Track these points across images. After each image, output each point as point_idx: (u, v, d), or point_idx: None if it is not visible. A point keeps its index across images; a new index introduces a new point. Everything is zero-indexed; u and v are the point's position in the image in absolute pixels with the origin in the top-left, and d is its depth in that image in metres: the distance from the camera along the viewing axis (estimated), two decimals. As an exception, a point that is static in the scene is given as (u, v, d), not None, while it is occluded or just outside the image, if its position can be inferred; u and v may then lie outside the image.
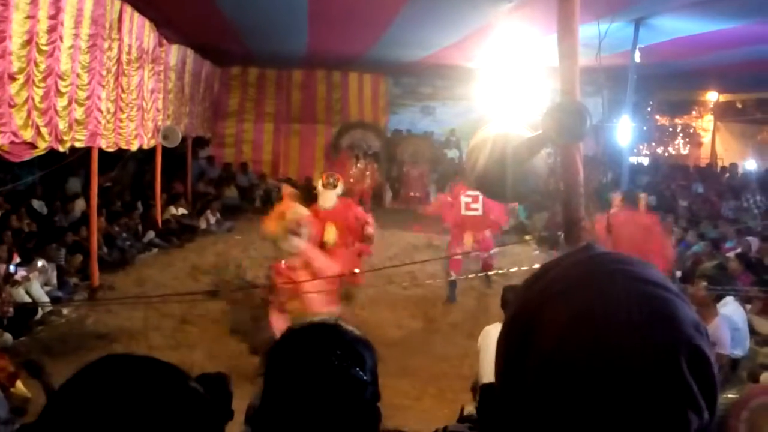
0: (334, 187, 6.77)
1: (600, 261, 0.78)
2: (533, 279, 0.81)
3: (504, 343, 0.80)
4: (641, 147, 18.22)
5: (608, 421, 0.68)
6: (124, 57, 7.88)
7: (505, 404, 0.79)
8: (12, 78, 5.39)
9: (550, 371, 0.71)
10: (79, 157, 7.97)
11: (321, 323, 1.28)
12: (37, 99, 5.85)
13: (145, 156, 11.48)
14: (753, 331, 5.97)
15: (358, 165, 14.31)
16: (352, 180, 14.36)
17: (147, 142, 9.31)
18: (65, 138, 6.49)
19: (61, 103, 6.36)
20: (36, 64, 5.76)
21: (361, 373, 1.20)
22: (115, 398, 0.81)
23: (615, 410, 0.68)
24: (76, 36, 6.53)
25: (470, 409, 3.69)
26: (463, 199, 7.93)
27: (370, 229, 6.92)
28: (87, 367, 0.86)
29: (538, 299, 0.77)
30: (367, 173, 14.54)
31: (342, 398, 1.18)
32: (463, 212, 8.00)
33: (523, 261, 9.28)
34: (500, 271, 7.66)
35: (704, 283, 4.93)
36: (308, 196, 7.43)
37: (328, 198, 6.73)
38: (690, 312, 0.74)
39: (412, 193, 15.56)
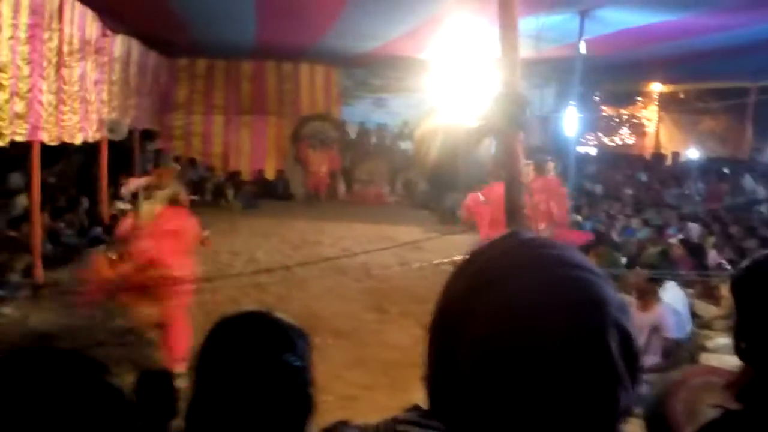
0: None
1: (525, 247, 0.80)
2: (461, 267, 0.83)
3: (435, 332, 0.81)
4: (588, 137, 18.62)
5: (541, 404, 0.70)
6: (65, 48, 7.65)
7: (438, 393, 0.80)
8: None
9: (482, 359, 0.73)
10: (22, 150, 7.74)
11: (252, 312, 1.29)
12: (-22, 93, 5.65)
13: (91, 150, 11.20)
14: (694, 315, 6.18)
15: (316, 153, 14.65)
16: (311, 168, 14.60)
17: (92, 136, 9.07)
18: (5, 132, 6.28)
19: (3, 96, 6.15)
20: (-22, 58, 5.57)
21: (293, 358, 1.21)
22: (20, 388, 0.81)
23: (547, 393, 0.70)
24: (15, 26, 6.30)
25: (419, 397, 3.72)
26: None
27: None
28: (2, 358, 0.85)
29: (467, 289, 0.78)
30: (324, 162, 14.74)
31: (274, 384, 1.18)
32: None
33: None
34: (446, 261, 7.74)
35: (645, 272, 5.08)
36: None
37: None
38: (614, 293, 0.76)
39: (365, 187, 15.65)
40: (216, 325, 1.28)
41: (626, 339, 0.74)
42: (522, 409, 0.71)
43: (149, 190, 5.70)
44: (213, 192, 14.50)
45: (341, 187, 15.96)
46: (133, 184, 5.95)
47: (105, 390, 0.87)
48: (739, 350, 1.28)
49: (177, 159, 14.82)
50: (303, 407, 1.22)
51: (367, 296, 7.87)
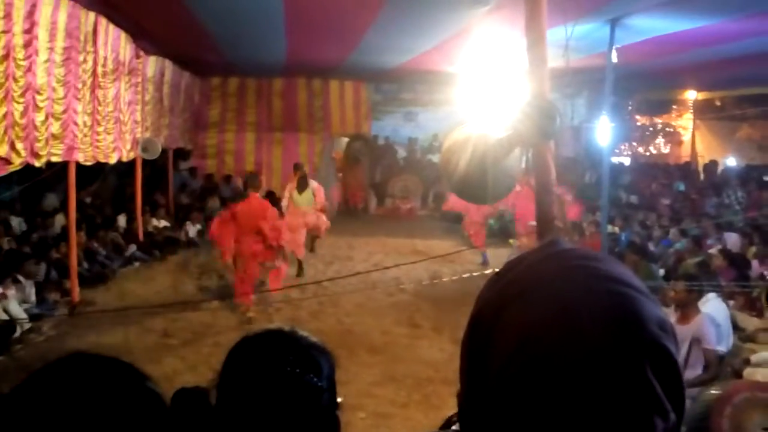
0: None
1: (564, 258, 0.76)
2: (497, 277, 0.79)
3: (467, 343, 0.78)
4: (622, 147, 18.36)
5: (570, 426, 0.66)
6: (99, 69, 7.81)
7: (470, 404, 0.77)
8: (-10, 94, 5.32)
9: (514, 371, 0.69)
10: (57, 171, 7.89)
11: (276, 330, 1.26)
12: (17, 114, 5.78)
13: (126, 169, 11.39)
14: (736, 327, 5.99)
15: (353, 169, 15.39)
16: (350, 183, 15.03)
17: (126, 155, 9.24)
18: (41, 153, 6.41)
19: (39, 118, 6.29)
20: (15, 80, 5.69)
21: (315, 379, 1.18)
22: (65, 392, 0.83)
23: (577, 413, 0.66)
24: (51, 49, 6.46)
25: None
26: None
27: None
28: (50, 364, 0.88)
29: (501, 298, 0.74)
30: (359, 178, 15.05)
31: (297, 405, 1.15)
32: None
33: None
34: (483, 273, 7.71)
35: (682, 283, 4.95)
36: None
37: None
38: (655, 309, 0.71)
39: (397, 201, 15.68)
40: (239, 343, 1.26)
41: (666, 359, 0.68)
42: (549, 426, 0.66)
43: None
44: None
45: (372, 202, 15.98)
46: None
47: (147, 396, 0.88)
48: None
49: (210, 176, 15.11)
50: (325, 428, 1.19)
51: (399, 311, 7.82)
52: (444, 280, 8.40)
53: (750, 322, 6.46)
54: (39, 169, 6.87)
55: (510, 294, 0.74)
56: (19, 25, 5.70)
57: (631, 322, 0.68)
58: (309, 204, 9.75)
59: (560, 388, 0.66)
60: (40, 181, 8.57)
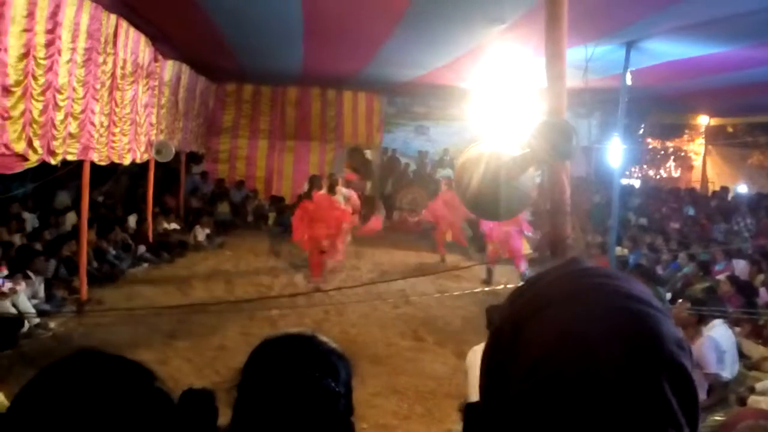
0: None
1: (584, 275, 0.78)
2: (518, 292, 0.82)
3: (488, 357, 0.80)
4: (633, 169, 18.35)
5: None
6: (118, 71, 7.90)
7: (489, 419, 0.79)
8: (8, 91, 5.38)
9: (533, 386, 0.71)
10: (71, 170, 7.96)
11: (296, 335, 1.29)
12: (35, 112, 5.85)
13: (139, 170, 11.47)
14: (742, 355, 5.97)
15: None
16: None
17: (140, 157, 9.31)
18: (58, 151, 6.48)
19: (59, 117, 6.37)
20: (34, 78, 5.77)
21: (333, 384, 1.20)
22: (74, 389, 0.83)
23: (595, 427, 0.68)
24: (73, 50, 6.54)
25: (458, 429, 3.67)
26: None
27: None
28: (58, 361, 0.88)
29: (523, 313, 0.77)
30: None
31: (314, 409, 1.18)
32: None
33: (515, 280, 9.31)
34: (488, 288, 7.73)
35: (687, 304, 4.94)
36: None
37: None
38: (673, 328, 0.74)
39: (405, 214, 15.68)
40: (259, 346, 1.28)
41: (682, 378, 0.71)
42: None
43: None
44: (254, 214, 14.68)
45: (381, 214, 16.02)
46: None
47: (155, 395, 0.89)
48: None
49: (221, 181, 15.19)
50: None
51: (404, 323, 7.83)
52: (452, 294, 8.41)
53: (756, 350, 6.44)
54: (53, 167, 6.93)
55: (530, 310, 0.76)
56: (41, 25, 5.78)
57: (650, 340, 0.71)
58: None
59: (579, 403, 0.69)
60: (53, 179, 8.64)
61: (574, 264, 0.81)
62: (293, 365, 1.20)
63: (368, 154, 17.04)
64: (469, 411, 1.14)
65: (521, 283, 0.84)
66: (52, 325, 7.01)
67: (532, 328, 0.74)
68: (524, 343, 0.74)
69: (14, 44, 5.38)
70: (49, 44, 5.95)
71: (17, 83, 5.49)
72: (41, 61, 5.85)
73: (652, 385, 0.69)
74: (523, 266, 9.59)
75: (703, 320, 5.21)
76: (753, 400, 4.91)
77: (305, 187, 10.63)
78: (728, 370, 5.22)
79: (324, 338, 1.29)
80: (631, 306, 0.73)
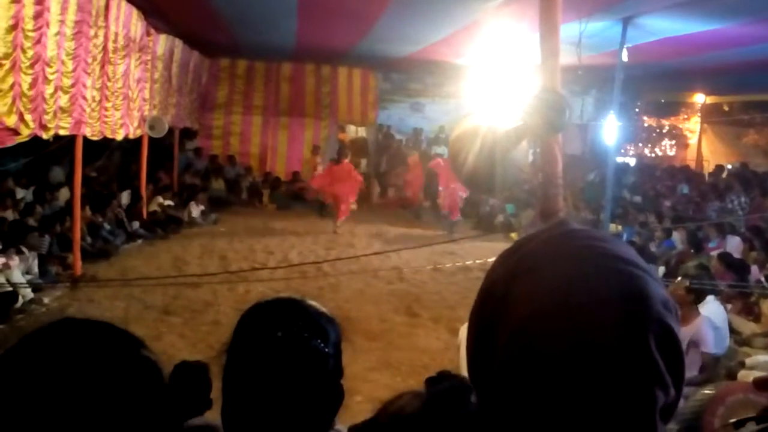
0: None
1: (573, 237, 0.79)
2: (506, 254, 0.82)
3: (476, 316, 0.80)
4: (628, 147, 18.33)
5: (575, 396, 0.69)
6: (110, 45, 7.82)
7: (476, 380, 0.80)
8: (-3, 63, 5.33)
9: (520, 346, 0.72)
10: (64, 145, 7.91)
11: (285, 298, 1.30)
12: (25, 86, 5.79)
13: (132, 146, 11.41)
14: (732, 331, 6.02)
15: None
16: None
17: (133, 132, 9.25)
18: (49, 125, 6.44)
19: (48, 90, 6.31)
20: (23, 50, 5.70)
21: (322, 345, 1.21)
22: (55, 354, 0.80)
23: (582, 385, 0.68)
24: (62, 22, 6.46)
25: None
26: None
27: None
28: (41, 328, 0.85)
29: (510, 274, 0.77)
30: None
31: (303, 369, 1.18)
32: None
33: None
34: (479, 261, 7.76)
35: (686, 282, 4.95)
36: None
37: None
38: (659, 289, 0.74)
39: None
40: (249, 310, 1.29)
41: (668, 336, 0.71)
42: (552, 400, 0.69)
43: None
44: (249, 191, 14.64)
45: (375, 191, 15.98)
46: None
47: (141, 362, 0.87)
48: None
49: (215, 157, 15.12)
50: (330, 394, 1.22)
51: (399, 299, 7.86)
52: (446, 270, 8.43)
53: (746, 327, 6.49)
54: (46, 141, 6.88)
55: (520, 270, 0.76)
56: (30, -4, 5.70)
57: (638, 300, 0.71)
58: None
59: (566, 362, 0.69)
60: (46, 154, 8.58)
61: (562, 226, 0.81)
62: (282, 326, 1.20)
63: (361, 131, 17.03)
64: (430, 384, 1.14)
65: (510, 245, 0.83)
66: (46, 300, 7.00)
67: (520, 288, 0.74)
68: (512, 302, 0.74)
69: (3, 15, 5.32)
70: (37, 16, 5.88)
71: (6, 56, 5.44)
72: (29, 33, 5.78)
73: (640, 344, 0.69)
74: (457, 216, 12.48)
75: (699, 298, 5.22)
76: (743, 374, 4.95)
77: (335, 155, 12.86)
78: (720, 346, 5.26)
79: (313, 302, 1.30)
80: (618, 266, 0.73)
